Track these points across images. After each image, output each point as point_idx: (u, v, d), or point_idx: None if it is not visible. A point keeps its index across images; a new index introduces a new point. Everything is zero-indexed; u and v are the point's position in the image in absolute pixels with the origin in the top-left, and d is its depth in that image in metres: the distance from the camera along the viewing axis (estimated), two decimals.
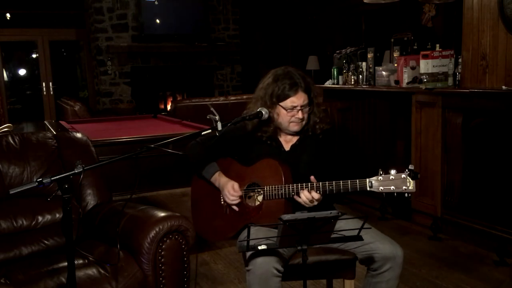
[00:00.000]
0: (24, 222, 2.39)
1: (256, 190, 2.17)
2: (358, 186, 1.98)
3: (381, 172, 1.95)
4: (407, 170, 1.91)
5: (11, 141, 2.58)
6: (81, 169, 1.64)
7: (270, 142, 2.25)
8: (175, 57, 8.81)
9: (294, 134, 2.25)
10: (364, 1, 4.66)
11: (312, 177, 2.04)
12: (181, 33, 8.67)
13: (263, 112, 2.12)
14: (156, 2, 7.91)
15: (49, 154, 2.61)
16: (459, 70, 3.87)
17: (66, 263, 1.72)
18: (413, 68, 4.10)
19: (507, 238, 3.33)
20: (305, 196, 2.03)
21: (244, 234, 1.94)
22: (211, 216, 2.28)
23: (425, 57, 3.96)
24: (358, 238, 1.83)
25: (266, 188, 2.11)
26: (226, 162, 2.28)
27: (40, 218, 2.42)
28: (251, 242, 1.82)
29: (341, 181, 2.00)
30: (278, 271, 1.95)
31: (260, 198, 2.16)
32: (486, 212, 3.56)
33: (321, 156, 2.25)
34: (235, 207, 2.19)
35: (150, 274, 2.18)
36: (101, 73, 8.41)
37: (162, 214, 2.27)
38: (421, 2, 5.70)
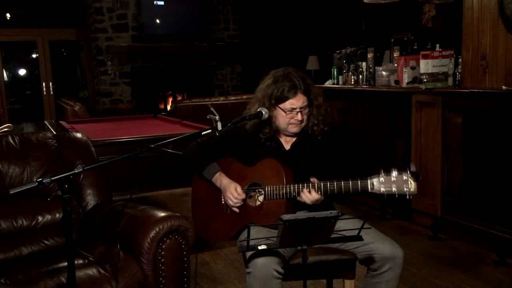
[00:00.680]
0: (24, 222, 2.39)
1: (257, 190, 2.17)
2: (359, 187, 1.98)
3: (382, 172, 1.94)
4: (408, 172, 1.91)
5: (11, 141, 2.58)
6: (81, 169, 1.64)
7: (270, 142, 2.25)
8: (175, 57, 8.80)
9: (293, 135, 2.25)
10: (364, 1, 4.66)
11: (312, 178, 2.04)
12: (181, 33, 8.66)
13: (263, 112, 2.11)
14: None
15: (49, 154, 2.61)
16: (459, 70, 3.87)
17: (66, 263, 1.72)
18: (413, 68, 4.10)
19: (507, 238, 3.33)
20: (306, 196, 2.03)
21: (244, 234, 1.94)
22: (211, 216, 2.28)
23: (425, 57, 3.96)
24: (358, 238, 1.83)
25: (267, 188, 2.11)
26: (226, 162, 2.28)
27: (40, 218, 2.42)
28: (251, 242, 1.82)
29: (342, 181, 2.00)
30: (279, 273, 1.95)
31: (261, 198, 2.15)
32: (486, 212, 3.56)
33: (321, 155, 2.25)
34: (236, 209, 2.19)
35: (150, 274, 2.18)
36: (101, 73, 8.40)
37: (162, 214, 2.27)
38: (421, 2, 5.70)
